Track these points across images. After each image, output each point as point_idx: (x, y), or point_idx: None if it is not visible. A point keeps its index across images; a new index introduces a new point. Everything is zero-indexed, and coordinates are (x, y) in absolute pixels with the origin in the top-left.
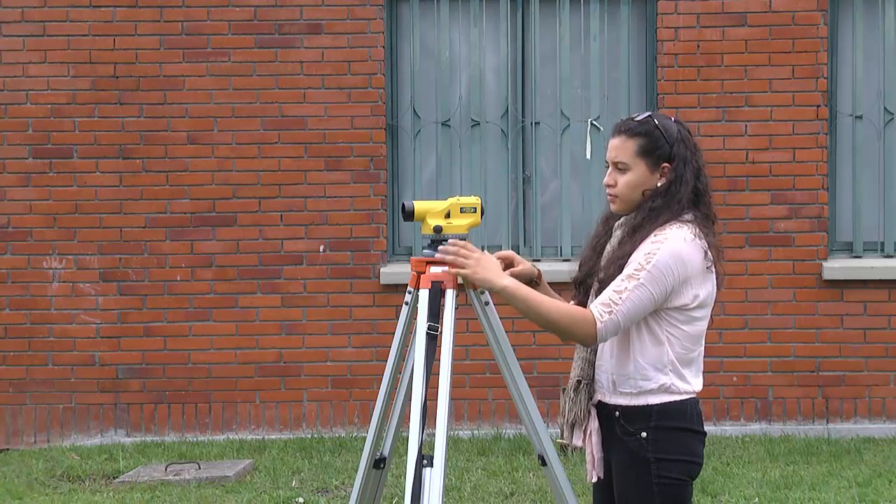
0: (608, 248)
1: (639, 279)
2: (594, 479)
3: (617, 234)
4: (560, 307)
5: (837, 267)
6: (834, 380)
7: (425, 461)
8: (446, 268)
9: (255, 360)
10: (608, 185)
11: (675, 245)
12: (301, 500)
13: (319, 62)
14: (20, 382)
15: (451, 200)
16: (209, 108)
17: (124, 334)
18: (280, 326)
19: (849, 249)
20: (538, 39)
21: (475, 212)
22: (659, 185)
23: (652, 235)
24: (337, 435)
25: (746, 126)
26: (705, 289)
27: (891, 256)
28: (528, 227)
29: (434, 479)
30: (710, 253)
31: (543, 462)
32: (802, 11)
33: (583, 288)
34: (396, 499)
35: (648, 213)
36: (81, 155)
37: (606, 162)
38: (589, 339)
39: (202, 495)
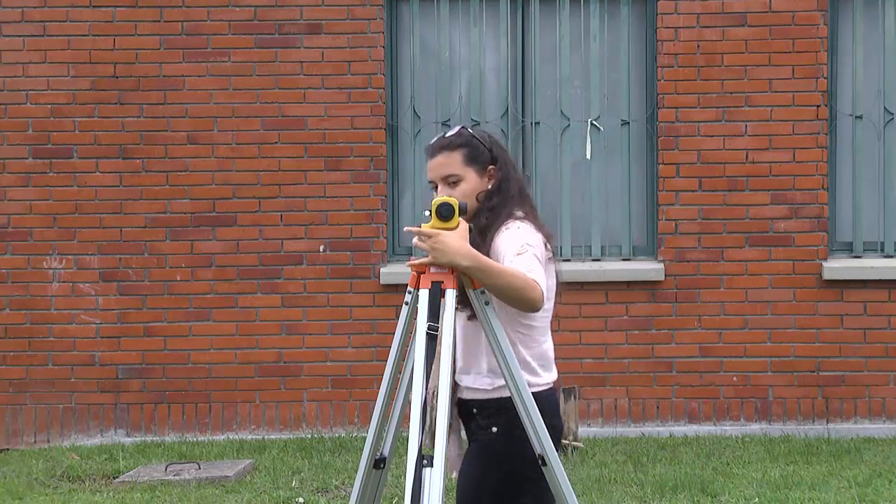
0: None
1: (528, 252)
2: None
3: None
4: (515, 271)
5: (837, 267)
6: (834, 380)
7: (425, 461)
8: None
9: (255, 360)
10: None
11: (528, 235)
12: (301, 500)
13: (319, 62)
14: (20, 382)
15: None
16: (209, 108)
17: (124, 334)
18: (280, 326)
19: (849, 249)
20: (538, 39)
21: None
22: (490, 186)
23: (504, 229)
24: (337, 435)
25: (746, 126)
26: (551, 278)
27: (891, 256)
28: None
29: (434, 479)
30: (549, 244)
31: (543, 462)
32: (802, 11)
33: None
34: (396, 499)
35: (490, 213)
36: (81, 155)
37: (431, 183)
38: (537, 303)
39: (202, 495)
